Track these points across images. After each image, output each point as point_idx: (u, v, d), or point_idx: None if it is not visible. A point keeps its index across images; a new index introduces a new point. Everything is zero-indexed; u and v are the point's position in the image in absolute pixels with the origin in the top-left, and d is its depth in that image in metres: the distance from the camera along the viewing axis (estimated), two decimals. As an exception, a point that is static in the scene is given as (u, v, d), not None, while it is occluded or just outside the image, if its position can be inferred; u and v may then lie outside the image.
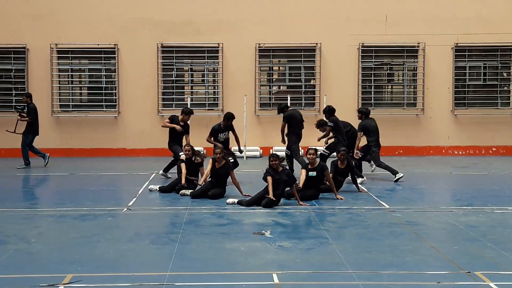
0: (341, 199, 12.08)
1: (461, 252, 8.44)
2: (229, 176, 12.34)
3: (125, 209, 11.25)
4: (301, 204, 11.46)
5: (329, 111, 14.34)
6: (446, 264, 7.84)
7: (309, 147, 12.43)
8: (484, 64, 20.13)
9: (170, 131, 14.37)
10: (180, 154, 13.68)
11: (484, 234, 9.37)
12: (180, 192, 12.49)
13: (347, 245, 8.79)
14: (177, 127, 14.20)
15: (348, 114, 18.52)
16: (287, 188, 11.71)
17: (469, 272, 7.43)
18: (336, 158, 13.05)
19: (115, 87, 19.58)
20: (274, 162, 11.53)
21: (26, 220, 10.47)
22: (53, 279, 7.08)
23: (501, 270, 7.57)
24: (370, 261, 7.95)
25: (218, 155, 12.30)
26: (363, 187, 13.23)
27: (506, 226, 10.02)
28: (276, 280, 7.12)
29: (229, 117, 14.10)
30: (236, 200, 11.65)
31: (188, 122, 14.48)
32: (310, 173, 12.12)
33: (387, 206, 11.49)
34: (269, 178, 11.38)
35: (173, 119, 14.47)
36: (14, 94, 19.55)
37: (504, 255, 8.21)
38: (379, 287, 6.93)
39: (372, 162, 14.88)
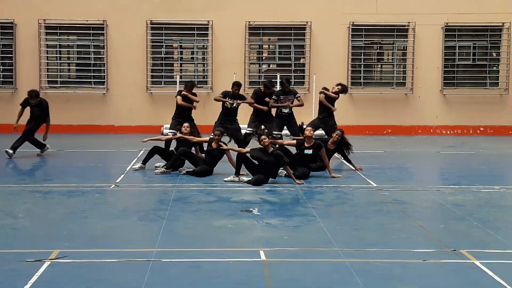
0: (336, 177, 12.08)
1: (448, 230, 8.50)
2: (223, 156, 12.33)
3: (113, 185, 11.23)
4: (298, 183, 11.44)
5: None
6: (433, 242, 7.90)
7: (306, 125, 12.54)
8: (473, 44, 20.12)
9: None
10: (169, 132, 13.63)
11: (471, 213, 9.44)
12: (156, 171, 12.37)
13: (334, 223, 8.82)
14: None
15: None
16: (281, 169, 11.78)
17: (455, 250, 7.48)
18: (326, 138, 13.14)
19: (104, 63, 19.45)
20: (264, 141, 11.50)
21: (13, 195, 10.44)
22: (40, 255, 7.07)
23: (486, 248, 7.63)
24: (357, 239, 7.99)
25: (216, 137, 12.26)
26: (347, 164, 13.22)
27: (492, 206, 10.09)
28: (263, 257, 7.15)
29: (233, 83, 13.98)
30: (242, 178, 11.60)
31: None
32: (306, 151, 12.11)
33: (375, 185, 11.53)
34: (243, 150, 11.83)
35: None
36: (1, 70, 19.39)
37: (490, 234, 8.27)
38: (365, 264, 6.97)
39: None
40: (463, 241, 7.91)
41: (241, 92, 14.74)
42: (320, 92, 14.30)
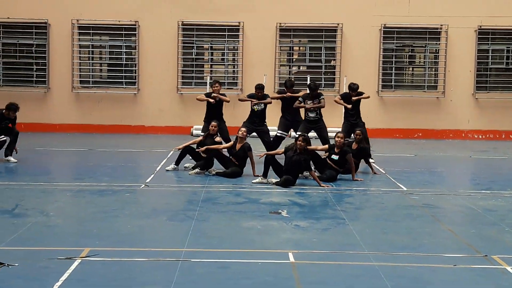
0: (359, 180, 12.07)
1: (479, 235, 8.40)
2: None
3: (143, 185, 11.30)
4: (322, 186, 11.41)
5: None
6: (463, 247, 7.81)
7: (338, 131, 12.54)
8: (507, 47, 19.87)
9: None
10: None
11: (503, 218, 9.31)
12: (191, 172, 12.43)
13: (363, 226, 8.77)
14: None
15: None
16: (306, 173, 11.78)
17: (486, 255, 7.39)
18: (351, 140, 13.09)
19: (135, 64, 19.60)
20: (300, 143, 11.47)
21: (45, 194, 10.57)
22: (70, 252, 7.14)
23: (518, 254, 7.52)
24: (386, 243, 7.93)
25: (241, 133, 12.32)
26: (377, 167, 13.18)
27: (525, 211, 9.95)
28: (292, 259, 7.13)
29: (255, 87, 14.05)
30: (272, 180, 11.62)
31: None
32: (333, 156, 12.09)
33: (405, 189, 11.44)
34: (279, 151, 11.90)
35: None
36: (35, 69, 19.65)
37: (522, 239, 8.16)
38: (395, 268, 6.92)
39: None
40: (494, 247, 7.81)
41: (271, 94, 14.83)
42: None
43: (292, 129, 14.34)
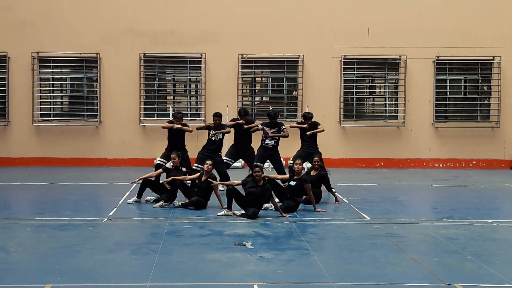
0: (321, 211, 12.06)
1: (441, 264, 8.48)
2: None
3: (106, 219, 11.17)
4: (284, 216, 11.44)
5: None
6: (427, 276, 7.87)
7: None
8: (464, 77, 20.31)
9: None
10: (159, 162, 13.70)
11: (464, 246, 9.42)
12: (156, 205, 12.34)
13: (328, 256, 8.79)
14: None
15: (329, 126, 18.64)
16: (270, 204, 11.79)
17: (449, 284, 7.46)
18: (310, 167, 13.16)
19: (97, 96, 19.50)
20: (257, 173, 11.53)
21: (5, 229, 10.36)
22: (31, 289, 7.01)
23: (480, 282, 7.60)
24: (351, 273, 7.95)
25: (208, 166, 12.28)
26: (340, 197, 13.26)
27: (486, 239, 10.08)
28: (257, 291, 7.11)
29: (213, 115, 14.11)
30: (237, 212, 11.58)
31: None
32: (291, 182, 12.12)
33: (368, 218, 11.51)
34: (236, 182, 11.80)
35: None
36: (-6, 102, 19.40)
37: (483, 267, 8.25)
38: (359, 298, 6.93)
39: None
40: (457, 275, 7.89)
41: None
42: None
43: (243, 160, 14.47)
